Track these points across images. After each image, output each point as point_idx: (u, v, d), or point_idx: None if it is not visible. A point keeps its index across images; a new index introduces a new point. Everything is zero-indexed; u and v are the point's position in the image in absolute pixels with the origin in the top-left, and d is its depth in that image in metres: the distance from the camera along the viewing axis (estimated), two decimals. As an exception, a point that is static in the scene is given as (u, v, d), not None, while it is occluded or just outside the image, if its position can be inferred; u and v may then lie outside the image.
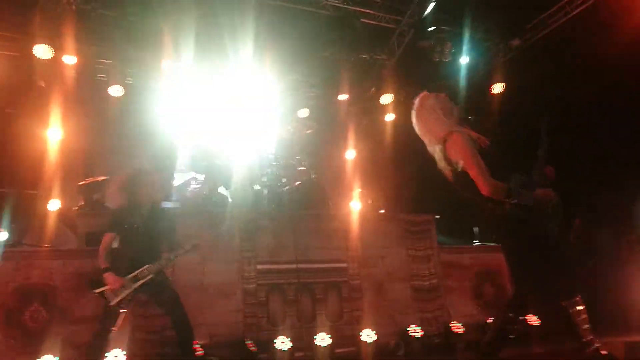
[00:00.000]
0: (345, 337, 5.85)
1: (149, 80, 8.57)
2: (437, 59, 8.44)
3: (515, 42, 8.23)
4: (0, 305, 4.56)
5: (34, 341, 4.56)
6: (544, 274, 3.29)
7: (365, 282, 6.24)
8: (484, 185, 3.24)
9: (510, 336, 3.43)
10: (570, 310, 3.19)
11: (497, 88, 8.52)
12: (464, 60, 8.57)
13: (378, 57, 9.24)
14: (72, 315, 4.79)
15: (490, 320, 5.96)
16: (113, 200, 6.07)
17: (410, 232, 6.70)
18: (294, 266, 5.81)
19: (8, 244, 5.36)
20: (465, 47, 8.38)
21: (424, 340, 5.99)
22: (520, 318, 3.52)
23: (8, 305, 4.60)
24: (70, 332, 4.73)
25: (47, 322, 4.69)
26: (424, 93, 3.58)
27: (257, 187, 6.83)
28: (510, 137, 5.11)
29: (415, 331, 5.98)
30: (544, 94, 7.04)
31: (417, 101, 3.54)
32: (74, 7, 6.95)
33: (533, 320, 6.04)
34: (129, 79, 8.45)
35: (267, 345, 5.40)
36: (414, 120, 3.57)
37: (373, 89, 9.67)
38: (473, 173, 3.26)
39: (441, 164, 3.46)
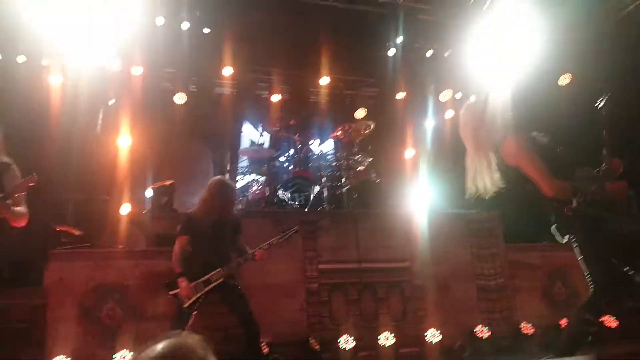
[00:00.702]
0: (409, 337, 5.77)
1: (212, 87, 8.87)
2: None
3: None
4: (79, 303, 4.86)
5: (110, 337, 4.82)
6: (622, 272, 3.11)
7: (429, 281, 6.13)
8: (547, 188, 3.14)
9: (588, 338, 3.25)
10: None
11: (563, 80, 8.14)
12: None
13: (436, 52, 9.06)
14: (144, 313, 5.03)
15: (563, 321, 5.69)
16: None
17: (475, 230, 6.52)
18: (356, 266, 5.79)
19: (85, 245, 5.69)
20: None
21: (491, 342, 5.81)
22: (598, 320, 3.33)
23: (87, 303, 4.89)
24: (142, 329, 4.96)
25: (122, 319, 4.94)
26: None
27: (316, 188, 6.87)
28: (571, 130, 4.84)
29: (482, 332, 5.81)
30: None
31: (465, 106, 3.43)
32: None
33: (610, 321, 5.71)
34: (193, 87, 8.76)
35: (330, 344, 5.42)
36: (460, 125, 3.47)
37: (432, 86, 9.49)
38: (534, 176, 3.16)
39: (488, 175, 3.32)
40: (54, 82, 7.22)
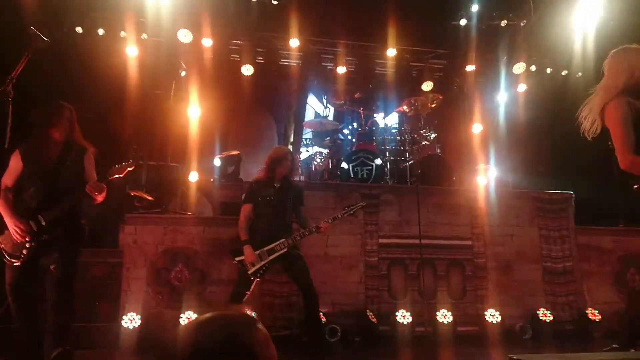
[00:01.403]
0: (468, 316, 5.72)
1: (278, 59, 8.93)
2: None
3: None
4: (151, 265, 5.18)
5: (178, 298, 5.13)
6: None
7: (492, 261, 6.01)
8: (621, 159, 2.96)
9: None
10: None
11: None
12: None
13: (511, 22, 8.60)
14: (210, 277, 5.29)
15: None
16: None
17: (544, 210, 6.28)
18: (416, 241, 5.76)
19: (156, 210, 6.00)
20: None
21: (554, 326, 5.64)
22: None
23: (158, 265, 5.21)
24: (208, 292, 5.23)
25: (189, 282, 5.23)
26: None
27: (379, 161, 6.83)
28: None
29: (545, 315, 5.65)
30: None
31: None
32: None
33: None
34: (260, 58, 8.87)
35: (387, 317, 5.48)
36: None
37: (504, 58, 9.06)
38: (615, 144, 2.98)
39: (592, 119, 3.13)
40: (130, 54, 7.54)
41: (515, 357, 2.23)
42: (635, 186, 3.02)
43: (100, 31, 7.78)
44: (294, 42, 8.31)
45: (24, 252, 3.40)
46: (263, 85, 9.08)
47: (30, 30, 3.48)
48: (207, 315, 1.18)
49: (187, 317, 4.88)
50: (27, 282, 3.46)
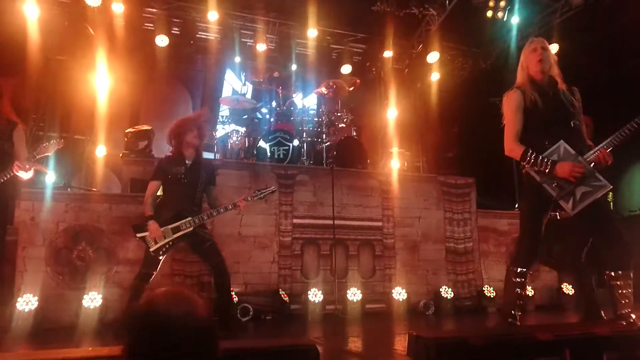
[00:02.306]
0: (377, 294, 5.95)
1: (196, 31, 8.60)
2: (490, 17, 8.07)
3: (577, 1, 7.71)
4: (50, 244, 4.85)
5: (81, 278, 4.86)
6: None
7: (400, 241, 6.27)
8: (505, 144, 3.34)
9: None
10: (612, 282, 3.15)
11: (552, 49, 8.08)
12: (515, 20, 8.15)
13: (427, 12, 8.90)
14: (116, 257, 5.06)
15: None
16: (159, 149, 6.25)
17: (449, 194, 6.64)
18: (330, 222, 5.88)
19: (57, 186, 5.61)
20: (517, 5, 7.94)
21: (455, 302, 6.03)
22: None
23: (58, 244, 4.89)
24: (114, 273, 5.01)
25: (93, 261, 4.96)
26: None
27: (296, 142, 6.85)
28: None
29: (447, 292, 6.02)
30: (601, 56, 6.65)
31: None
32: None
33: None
34: (176, 29, 8.49)
35: (299, 296, 5.57)
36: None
37: (420, 47, 9.38)
38: (505, 130, 3.35)
39: None
40: (30, 14, 6.91)
41: (415, 334, 2.36)
42: (524, 170, 3.33)
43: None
44: (213, 15, 8.05)
45: None
46: (178, 57, 8.73)
47: None
48: (168, 289, 1.32)
49: (91, 298, 4.65)
50: None
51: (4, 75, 6.25)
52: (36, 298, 4.52)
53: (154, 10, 8.13)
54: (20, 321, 4.39)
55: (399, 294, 5.85)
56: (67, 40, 7.63)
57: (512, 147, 3.32)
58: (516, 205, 7.42)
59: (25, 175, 3.51)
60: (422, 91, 9.59)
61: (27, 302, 4.47)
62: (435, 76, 9.30)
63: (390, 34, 8.98)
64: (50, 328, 4.47)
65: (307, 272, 5.84)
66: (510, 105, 3.36)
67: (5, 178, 3.51)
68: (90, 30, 7.60)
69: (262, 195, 4.56)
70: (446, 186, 6.66)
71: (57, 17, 7.60)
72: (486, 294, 6.20)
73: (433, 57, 9.03)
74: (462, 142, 9.11)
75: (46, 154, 3.67)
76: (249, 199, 4.50)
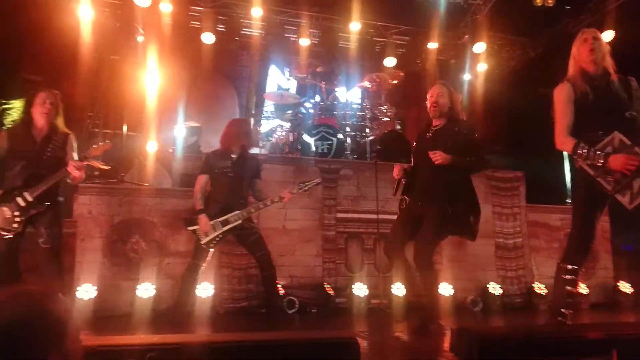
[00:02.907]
0: (421, 288, 5.88)
1: (240, 27, 8.73)
2: (539, 4, 7.79)
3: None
4: (106, 236, 5.07)
5: (135, 269, 5.06)
6: None
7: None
8: (556, 138, 3.31)
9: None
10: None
11: (607, 36, 7.72)
12: (566, 6, 7.83)
13: (473, 1, 8.70)
14: (167, 249, 5.23)
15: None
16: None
17: (497, 188, 6.48)
18: (373, 216, 5.86)
19: (112, 181, 5.85)
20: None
21: (503, 299, 5.90)
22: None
23: (113, 237, 5.10)
24: (165, 264, 5.18)
25: (146, 253, 5.15)
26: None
27: (340, 136, 6.85)
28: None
29: (495, 289, 5.90)
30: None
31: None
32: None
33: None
34: (221, 26, 8.65)
35: (344, 290, 5.59)
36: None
37: (466, 37, 9.17)
38: (555, 123, 3.31)
39: None
40: (84, 16, 7.20)
41: (458, 328, 2.33)
42: (577, 164, 3.23)
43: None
44: (257, 11, 8.14)
45: (14, 225, 3.65)
46: (224, 54, 8.90)
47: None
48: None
49: (144, 288, 4.84)
50: (14, 254, 3.76)
51: (60, 79, 6.57)
52: (95, 288, 4.75)
53: (200, 8, 8.30)
54: (80, 309, 4.62)
55: (445, 289, 5.77)
56: (118, 40, 7.91)
57: (563, 141, 3.24)
58: (567, 200, 7.18)
59: (78, 174, 3.78)
60: (468, 82, 9.37)
61: (86, 291, 4.71)
62: (482, 67, 9.08)
63: (435, 25, 8.82)
64: (108, 316, 4.69)
65: (351, 266, 5.85)
66: (561, 99, 3.29)
67: (60, 178, 3.79)
68: (140, 30, 7.85)
69: (306, 187, 4.63)
70: (494, 180, 6.50)
71: (109, 19, 7.90)
72: (537, 291, 6.03)
73: (480, 47, 8.81)
74: (510, 135, 8.86)
75: (96, 155, 3.95)
76: (295, 191, 4.57)
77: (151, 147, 6.93)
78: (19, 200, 3.64)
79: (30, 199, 3.66)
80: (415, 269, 4.06)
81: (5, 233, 3.65)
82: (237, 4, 8.37)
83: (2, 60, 5.84)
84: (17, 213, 3.63)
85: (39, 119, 3.84)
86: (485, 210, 6.34)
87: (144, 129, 7.44)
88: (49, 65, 6.59)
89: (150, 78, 7.54)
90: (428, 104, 4.10)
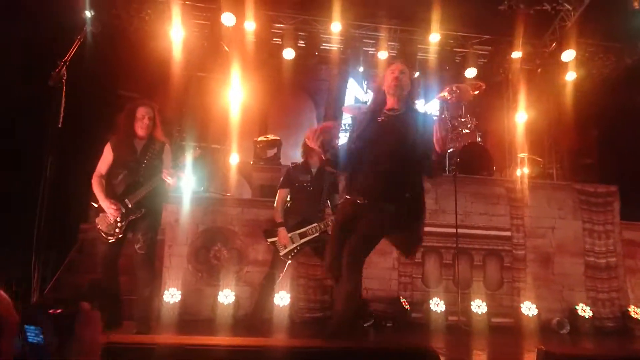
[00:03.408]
0: (504, 307, 5.65)
1: (320, 43, 8.93)
2: (637, 7, 7.28)
3: None
4: (191, 243, 5.35)
5: (216, 276, 5.29)
6: None
7: (531, 253, 5.90)
8: None
9: None
10: None
11: None
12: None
13: (561, 7, 8.28)
14: (247, 258, 5.42)
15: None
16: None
17: (588, 203, 6.09)
18: (452, 230, 5.71)
19: (197, 191, 6.17)
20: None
21: (594, 322, 5.51)
22: None
23: (197, 244, 5.38)
24: (245, 272, 5.37)
25: (227, 261, 5.37)
26: None
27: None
28: None
29: (585, 311, 5.52)
30: None
31: None
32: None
33: None
34: (301, 42, 8.88)
35: (420, 305, 5.48)
36: None
37: (553, 45, 8.75)
38: None
39: None
40: (175, 37, 7.69)
41: (544, 349, 2.20)
42: None
43: (147, 15, 7.98)
44: (336, 26, 8.28)
45: (117, 230, 3.90)
46: (304, 69, 9.12)
47: (84, 15, 3.65)
48: None
49: (225, 294, 5.04)
50: (116, 256, 4.01)
51: (153, 95, 7.05)
52: (179, 292, 5.01)
53: (282, 25, 8.58)
54: (166, 311, 4.89)
55: (529, 309, 5.50)
56: (206, 58, 8.36)
57: None
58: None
59: (171, 181, 3.99)
60: (556, 92, 8.91)
61: (172, 295, 4.98)
62: (571, 76, 8.60)
63: (520, 33, 8.48)
64: (191, 320, 4.92)
65: (428, 281, 5.73)
66: None
67: (156, 184, 4.02)
68: (226, 47, 8.26)
69: None
70: (584, 194, 6.12)
71: (198, 39, 8.39)
72: (632, 315, 5.58)
73: (568, 55, 8.36)
74: (602, 147, 8.31)
75: (186, 162, 4.15)
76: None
77: (233, 159, 7.23)
78: (121, 207, 3.90)
79: (130, 205, 3.92)
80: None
81: (109, 237, 3.93)
82: (318, 20, 8.57)
83: (102, 79, 6.36)
84: (119, 219, 3.89)
85: (139, 131, 4.10)
86: (575, 226, 6.01)
87: (227, 141, 7.78)
88: (144, 82, 7.11)
89: (234, 93, 7.90)
90: (388, 78, 3.34)
